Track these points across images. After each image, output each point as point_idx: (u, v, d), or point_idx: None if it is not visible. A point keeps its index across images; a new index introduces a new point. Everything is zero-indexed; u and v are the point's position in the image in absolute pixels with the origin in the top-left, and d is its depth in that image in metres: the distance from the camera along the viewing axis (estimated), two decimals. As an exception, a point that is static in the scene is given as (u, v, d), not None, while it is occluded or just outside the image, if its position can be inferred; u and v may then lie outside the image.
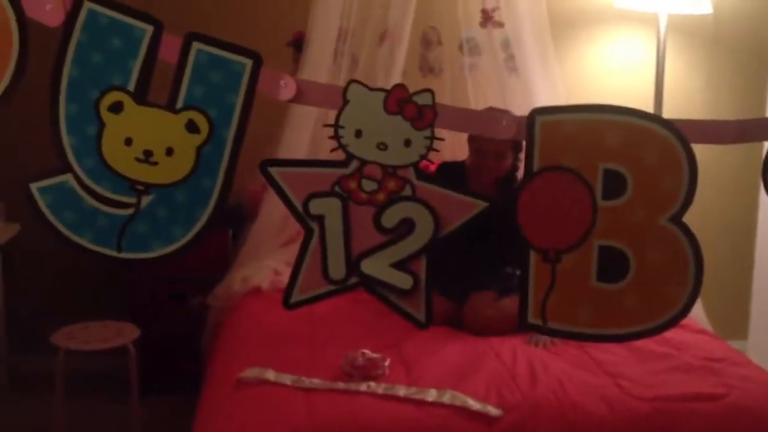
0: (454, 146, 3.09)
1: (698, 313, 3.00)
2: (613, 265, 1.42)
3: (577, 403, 2.21)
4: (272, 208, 3.07)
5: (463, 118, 1.46)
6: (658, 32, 3.32)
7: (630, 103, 3.73)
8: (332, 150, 1.38)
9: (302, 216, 1.38)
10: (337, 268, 1.39)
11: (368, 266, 1.39)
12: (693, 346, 2.63)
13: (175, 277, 3.18)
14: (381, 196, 1.38)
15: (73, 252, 1.36)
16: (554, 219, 1.42)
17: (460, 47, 3.40)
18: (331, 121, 1.36)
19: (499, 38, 3.31)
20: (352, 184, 1.38)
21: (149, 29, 1.31)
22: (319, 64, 3.19)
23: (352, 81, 1.36)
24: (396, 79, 3.23)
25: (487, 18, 3.22)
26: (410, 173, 1.38)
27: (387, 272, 1.39)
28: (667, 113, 3.39)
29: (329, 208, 1.38)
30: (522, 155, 2.98)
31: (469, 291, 2.84)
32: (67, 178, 1.33)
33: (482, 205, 1.41)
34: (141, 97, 1.33)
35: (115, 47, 1.31)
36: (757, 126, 1.42)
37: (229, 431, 2.08)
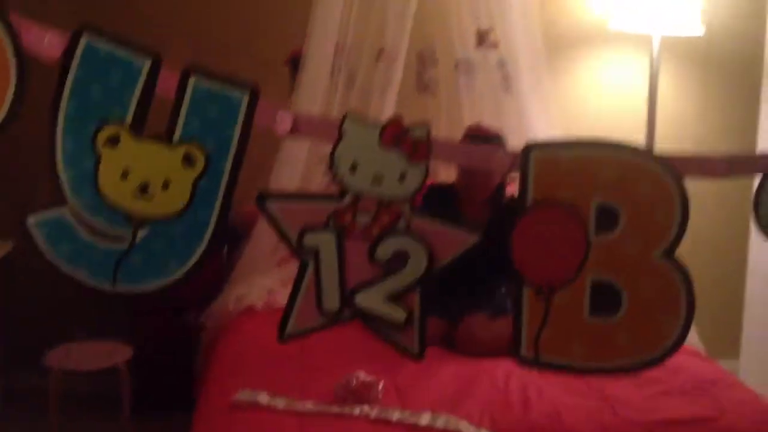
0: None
1: (690, 334, 3.01)
2: (605, 300, 1.44)
3: (572, 427, 2.22)
4: (267, 228, 3.05)
5: (458, 152, 1.47)
6: (651, 54, 3.35)
7: (623, 122, 3.79)
8: (328, 183, 1.39)
9: (297, 249, 1.39)
10: (332, 301, 1.40)
11: (363, 299, 1.40)
12: (685, 368, 2.64)
13: (170, 295, 3.17)
14: (375, 230, 1.39)
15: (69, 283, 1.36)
16: (548, 253, 1.43)
17: (456, 66, 3.42)
18: (324, 151, 1.37)
19: (494, 58, 3.33)
20: (347, 218, 1.39)
21: (147, 63, 1.32)
22: (316, 82, 3.21)
23: (347, 115, 1.37)
24: (392, 97, 3.25)
25: (482, 39, 3.24)
26: (405, 207, 1.39)
27: (381, 305, 1.40)
28: (659, 134, 3.42)
29: (324, 241, 1.39)
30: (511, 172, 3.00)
31: (462, 310, 2.84)
32: (64, 211, 1.34)
33: (475, 239, 1.42)
34: (138, 130, 1.33)
35: (112, 81, 1.32)
36: (746, 161, 1.44)
37: (221, 455, 2.08)
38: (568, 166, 1.42)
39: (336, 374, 2.38)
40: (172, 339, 3.19)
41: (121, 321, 3.23)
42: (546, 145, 1.43)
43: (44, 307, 3.50)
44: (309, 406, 2.25)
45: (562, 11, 3.54)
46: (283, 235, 1.39)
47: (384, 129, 1.37)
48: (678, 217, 1.41)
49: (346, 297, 1.40)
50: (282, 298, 3.03)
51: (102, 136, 1.32)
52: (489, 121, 3.32)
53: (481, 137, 2.90)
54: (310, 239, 1.39)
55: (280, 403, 2.25)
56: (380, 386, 2.34)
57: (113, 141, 1.33)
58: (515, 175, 3.33)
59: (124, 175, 1.33)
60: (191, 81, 1.34)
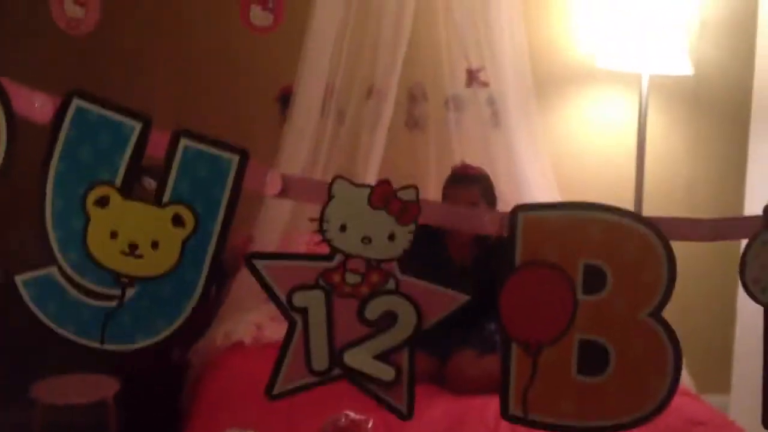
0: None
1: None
2: (593, 359, 1.44)
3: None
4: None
5: (447, 214, 1.49)
6: (640, 92, 3.38)
7: (612, 160, 3.81)
8: (317, 243, 1.40)
9: (286, 308, 1.40)
10: (321, 360, 1.41)
11: (351, 358, 1.41)
12: (676, 409, 2.62)
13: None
14: (364, 289, 1.39)
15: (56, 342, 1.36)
16: (535, 312, 1.44)
17: (446, 103, 3.45)
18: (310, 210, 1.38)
19: (483, 95, 3.36)
20: (336, 277, 1.39)
21: (138, 126, 1.33)
22: (306, 119, 3.23)
23: (336, 177, 1.38)
24: (382, 133, 3.27)
25: (473, 78, 3.27)
26: (394, 267, 1.40)
27: (370, 364, 1.41)
28: (648, 171, 3.45)
29: (313, 301, 1.39)
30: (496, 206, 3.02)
31: (452, 347, 2.85)
32: (53, 270, 1.34)
33: (464, 298, 1.43)
34: (127, 191, 1.34)
35: (103, 143, 1.33)
36: (731, 225, 1.45)
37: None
38: (556, 227, 1.43)
39: (325, 412, 2.37)
40: (160, 373, 3.18)
41: (108, 354, 3.21)
42: (534, 207, 1.44)
43: (30, 339, 3.47)
44: (297, 447, 2.25)
45: (551, 49, 3.58)
46: (272, 295, 1.39)
47: (373, 190, 1.38)
48: (665, 277, 1.42)
49: (335, 355, 1.40)
50: (271, 333, 3.06)
51: (92, 197, 1.33)
52: (478, 157, 3.35)
53: (468, 177, 2.92)
54: (299, 299, 1.39)
55: (268, 444, 2.25)
56: (370, 424, 2.34)
57: (103, 202, 1.33)
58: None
59: (113, 235, 1.33)
60: (181, 143, 1.34)
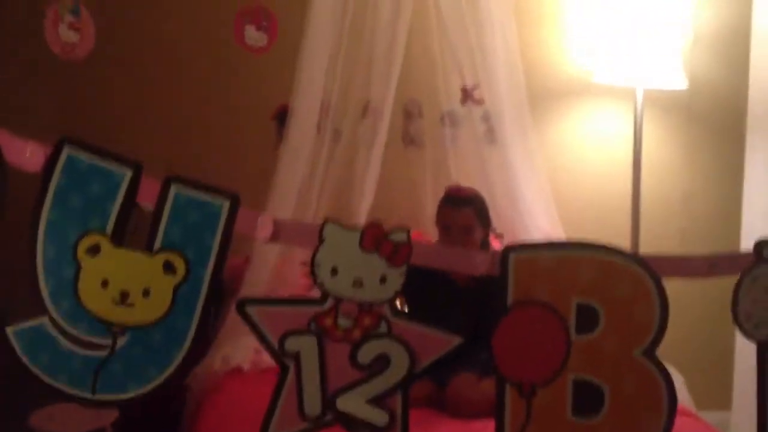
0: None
1: (680, 388, 3.00)
2: (587, 399, 1.44)
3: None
4: (252, 285, 3.06)
5: (438, 255, 1.48)
6: (635, 106, 3.38)
7: (608, 174, 3.79)
8: (308, 289, 1.39)
9: (278, 354, 1.39)
10: (313, 405, 1.40)
11: (344, 403, 1.40)
12: (675, 430, 2.63)
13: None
14: (357, 333, 1.39)
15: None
16: (529, 353, 1.43)
17: (442, 119, 3.45)
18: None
19: (479, 112, 3.35)
20: (328, 321, 1.39)
21: (128, 173, 1.33)
22: (302, 137, 3.22)
23: (327, 221, 1.38)
24: (379, 151, 3.26)
25: (467, 96, 3.26)
26: (386, 310, 1.40)
27: (363, 409, 1.40)
28: (645, 185, 3.44)
29: (305, 346, 1.39)
30: (491, 230, 3.01)
31: (450, 371, 2.84)
32: (43, 320, 1.34)
33: (457, 340, 1.43)
34: (118, 239, 1.34)
35: (93, 191, 1.32)
36: (726, 261, 1.45)
37: None
38: (548, 267, 1.43)
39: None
40: (159, 399, 3.16)
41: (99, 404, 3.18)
42: (526, 247, 1.44)
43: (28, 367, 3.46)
44: (295, 477, 2.24)
45: (546, 65, 3.57)
46: (263, 340, 1.39)
47: (364, 233, 1.38)
48: (658, 316, 1.42)
49: (328, 401, 1.40)
50: (269, 358, 3.03)
51: (83, 245, 1.32)
52: (474, 173, 3.34)
53: (461, 199, 2.91)
54: (291, 344, 1.39)
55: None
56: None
57: (94, 250, 1.33)
58: (500, 232, 3.33)
59: (104, 283, 1.33)
60: (172, 189, 1.34)
